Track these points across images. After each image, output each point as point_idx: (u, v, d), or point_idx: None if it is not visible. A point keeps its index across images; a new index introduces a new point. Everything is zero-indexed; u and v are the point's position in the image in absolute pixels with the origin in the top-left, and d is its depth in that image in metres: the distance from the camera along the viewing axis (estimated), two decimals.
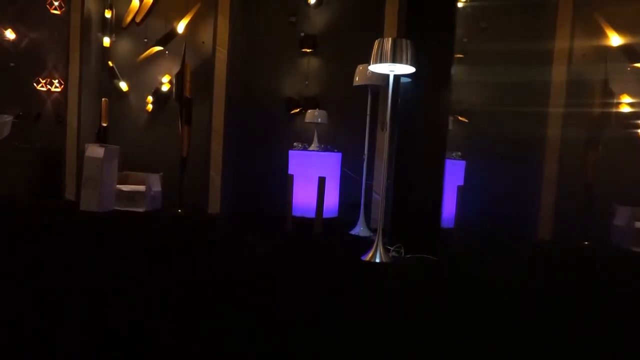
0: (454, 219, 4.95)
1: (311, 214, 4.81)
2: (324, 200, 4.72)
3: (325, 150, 4.87)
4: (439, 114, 4.01)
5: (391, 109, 3.70)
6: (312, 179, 4.80)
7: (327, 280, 3.03)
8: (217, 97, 5.70)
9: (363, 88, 4.91)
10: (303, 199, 4.90)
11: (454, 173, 4.93)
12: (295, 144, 4.98)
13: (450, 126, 4.36)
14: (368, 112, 4.95)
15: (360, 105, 5.11)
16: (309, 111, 5.13)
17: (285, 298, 2.58)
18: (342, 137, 5.56)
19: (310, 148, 4.91)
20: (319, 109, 5.31)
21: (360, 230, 4.92)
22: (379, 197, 4.48)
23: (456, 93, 4.96)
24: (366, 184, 5.02)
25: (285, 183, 4.97)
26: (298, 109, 5.80)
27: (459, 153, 4.97)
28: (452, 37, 3.97)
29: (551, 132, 5.20)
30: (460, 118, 5.26)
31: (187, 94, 5.61)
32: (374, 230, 4.43)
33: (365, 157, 4.93)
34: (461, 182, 4.99)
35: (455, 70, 4.36)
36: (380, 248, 3.65)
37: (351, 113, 5.52)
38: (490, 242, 4.87)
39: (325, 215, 4.81)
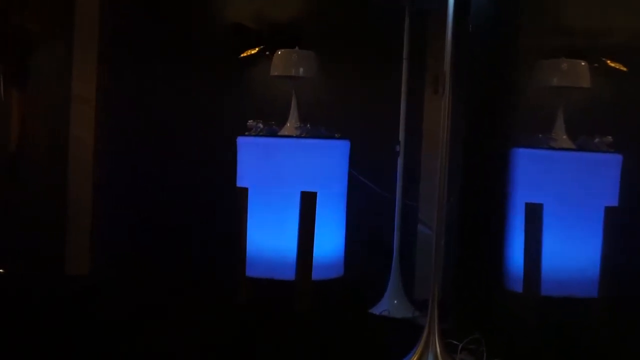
0: (597, 279, 2.69)
1: (288, 273, 2.77)
2: (313, 243, 2.74)
3: (315, 135, 2.88)
4: None
5: (453, 48, 2.20)
6: (289, 197, 2.79)
7: None
8: (82, 31, 3.43)
9: (392, 3, 3.03)
10: (270, 240, 2.85)
11: (597, 181, 2.72)
12: (250, 123, 2.88)
13: (585, 83, 2.72)
14: (405, 56, 2.97)
15: (385, 39, 3.18)
16: (280, 53, 2.98)
17: None
18: (348, 107, 3.39)
19: (283, 132, 2.90)
20: (298, 48, 3.06)
21: (391, 305, 2.98)
22: (430, 232, 2.89)
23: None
24: (404, 205, 3.05)
25: (231, 207, 2.89)
26: (255, 49, 3.42)
27: (608, 138, 2.74)
28: None
29: None
30: (610, 63, 3.00)
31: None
32: (423, 305, 2.69)
33: (400, 149, 3.00)
34: (614, 201, 2.75)
35: None
36: (436, 344, 2.18)
37: (367, 57, 3.34)
38: None
39: (316, 276, 2.78)
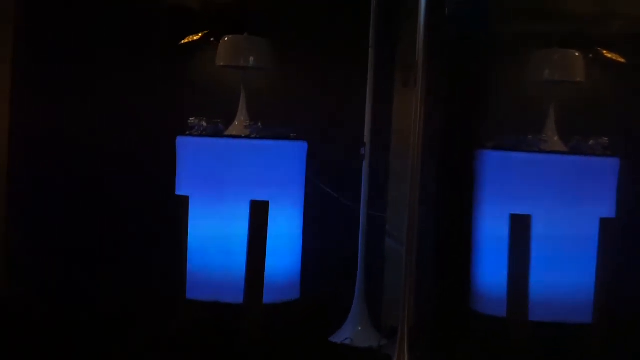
0: (592, 301, 2.48)
1: (234, 296, 2.51)
2: (264, 261, 2.48)
3: (267, 135, 2.63)
4: None
5: (427, 35, 2.16)
6: (237, 207, 2.53)
7: None
8: None
9: None
10: (213, 258, 2.59)
11: (592, 189, 2.51)
12: (192, 121, 2.63)
13: (580, 77, 2.55)
14: (371, 44, 2.75)
15: (349, 25, 2.92)
16: (227, 39, 2.73)
17: None
18: (307, 105, 3.11)
19: (230, 131, 2.66)
20: (248, 33, 2.80)
21: (354, 332, 2.72)
22: (400, 247, 2.58)
23: None
24: (370, 216, 2.80)
25: (168, 219, 2.62)
26: (199, 35, 3.09)
27: (605, 140, 2.55)
28: None
29: None
30: (607, 54, 2.82)
31: None
32: (391, 333, 2.56)
33: (365, 151, 2.77)
34: (611, 212, 2.54)
35: None
36: None
37: (328, 45, 3.05)
38: None
39: (268, 299, 2.52)
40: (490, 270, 2.38)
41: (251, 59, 2.60)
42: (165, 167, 2.58)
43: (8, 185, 3.01)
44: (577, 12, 2.65)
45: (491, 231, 2.40)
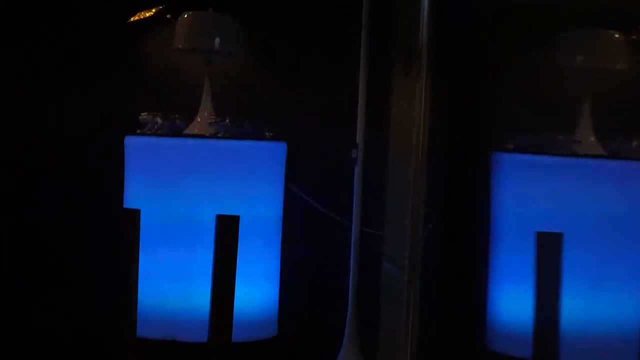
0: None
1: (197, 333, 2.10)
2: (234, 290, 2.04)
3: (236, 134, 2.27)
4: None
5: (431, 15, 2.04)
6: (200, 222, 2.14)
7: None
8: None
9: None
10: (170, 286, 2.21)
11: (636, 197, 2.10)
12: (144, 117, 2.25)
13: (620, 64, 2.22)
14: (364, 25, 2.38)
15: (340, 4, 2.52)
16: (187, 16, 2.37)
17: None
18: (284, 97, 2.71)
19: (191, 129, 2.28)
20: (212, 10, 2.44)
21: None
22: (398, 272, 2.21)
23: None
24: (363, 235, 2.42)
25: (110, 238, 2.20)
26: (152, 11, 2.62)
27: None
28: None
29: None
30: None
31: None
32: None
33: (357, 154, 2.38)
34: None
35: None
36: None
37: (312, 26, 2.67)
38: None
39: (239, 336, 2.09)
40: (511, 302, 2.06)
41: (217, 40, 2.25)
42: (112, 173, 2.23)
43: None
44: None
45: (512, 253, 2.07)
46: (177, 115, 2.17)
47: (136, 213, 2.02)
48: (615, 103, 2.17)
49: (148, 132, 2.15)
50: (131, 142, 2.15)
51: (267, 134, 2.19)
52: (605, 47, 2.09)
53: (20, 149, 2.55)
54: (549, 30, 2.18)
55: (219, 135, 2.14)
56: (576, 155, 2.02)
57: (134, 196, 2.18)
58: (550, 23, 2.20)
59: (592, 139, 2.06)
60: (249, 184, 2.15)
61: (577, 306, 1.93)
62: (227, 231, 1.97)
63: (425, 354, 2.05)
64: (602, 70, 2.08)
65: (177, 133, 2.15)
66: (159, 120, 2.15)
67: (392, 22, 2.35)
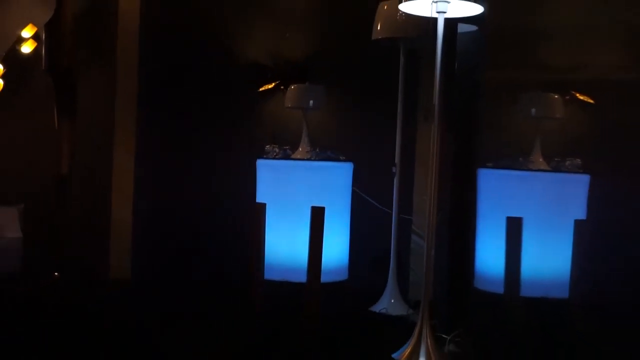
0: (568, 282, 2.67)
1: (299, 276, 2.78)
2: (322, 251, 2.70)
3: (323, 158, 2.93)
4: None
5: (442, 82, 2.17)
6: (300, 211, 2.80)
7: None
8: (124, 65, 3.41)
9: (389, 44, 2.95)
10: (284, 249, 2.89)
11: (568, 198, 2.75)
12: (267, 148, 2.95)
13: (559, 114, 2.75)
14: (400, 88, 2.97)
15: (384, 75, 3.10)
16: (293, 87, 3.04)
17: None
18: (351, 134, 3.38)
19: (296, 155, 2.95)
20: (309, 83, 3.10)
21: (389, 304, 2.95)
22: (423, 244, 2.61)
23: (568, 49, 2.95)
24: (400, 219, 2.99)
25: (248, 221, 2.91)
26: (272, 84, 3.45)
27: (577, 161, 2.77)
28: None
29: None
30: (579, 96, 2.99)
31: (67, 60, 3.33)
32: (416, 305, 2.70)
33: (396, 170, 2.98)
34: (582, 214, 2.76)
35: None
36: (427, 337, 2.17)
37: (368, 90, 3.33)
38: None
39: (324, 279, 2.77)
40: (491, 259, 2.66)
41: (311, 102, 2.95)
42: (248, 182, 2.95)
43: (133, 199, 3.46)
44: (557, 63, 2.88)
45: (491, 230, 2.65)
46: (287, 147, 2.91)
47: (263, 205, 2.77)
48: (555, 137, 2.76)
49: (270, 156, 2.87)
50: (260, 163, 2.89)
51: (340, 157, 2.86)
52: (549, 104, 2.70)
53: (188, 168, 3.47)
54: (517, 93, 2.76)
55: (313, 158, 2.83)
56: (530, 169, 2.64)
57: (262, 195, 2.88)
58: (518, 89, 2.76)
59: (541, 159, 2.68)
60: (331, 188, 2.83)
61: (529, 260, 2.51)
62: (317, 217, 2.65)
63: (438, 289, 2.41)
64: (547, 117, 2.70)
65: (287, 157, 2.88)
66: (276, 149, 2.87)
67: (417, 89, 3.00)
